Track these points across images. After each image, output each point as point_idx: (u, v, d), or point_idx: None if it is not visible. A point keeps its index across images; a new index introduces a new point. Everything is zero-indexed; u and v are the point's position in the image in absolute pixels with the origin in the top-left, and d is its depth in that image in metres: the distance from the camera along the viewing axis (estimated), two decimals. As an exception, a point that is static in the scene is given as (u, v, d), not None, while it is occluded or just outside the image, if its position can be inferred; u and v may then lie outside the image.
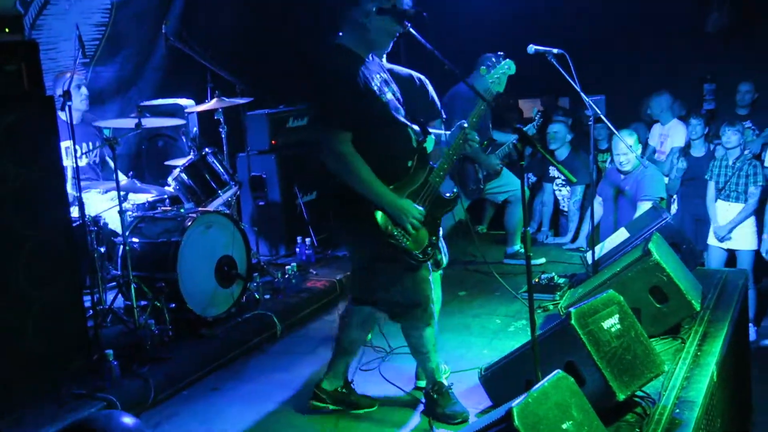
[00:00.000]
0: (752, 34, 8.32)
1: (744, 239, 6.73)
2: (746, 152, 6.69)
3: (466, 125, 3.66)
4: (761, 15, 8.26)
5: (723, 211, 6.74)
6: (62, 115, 4.77)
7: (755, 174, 6.53)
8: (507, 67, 3.99)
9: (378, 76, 3.53)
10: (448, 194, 3.68)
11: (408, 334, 3.76)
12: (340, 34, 3.52)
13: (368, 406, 3.91)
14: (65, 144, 4.88)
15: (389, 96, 3.54)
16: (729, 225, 6.67)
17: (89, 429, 2.59)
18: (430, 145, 3.71)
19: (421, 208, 3.50)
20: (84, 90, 5.68)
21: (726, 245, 6.78)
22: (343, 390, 3.91)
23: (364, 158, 3.39)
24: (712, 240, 6.85)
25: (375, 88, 3.45)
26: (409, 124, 3.60)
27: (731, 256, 6.86)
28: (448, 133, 3.86)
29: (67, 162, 4.93)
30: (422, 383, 3.99)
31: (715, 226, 6.79)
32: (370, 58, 3.57)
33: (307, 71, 4.12)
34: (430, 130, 3.79)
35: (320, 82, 3.51)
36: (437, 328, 3.80)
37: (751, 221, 6.70)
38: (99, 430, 2.53)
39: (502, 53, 4.07)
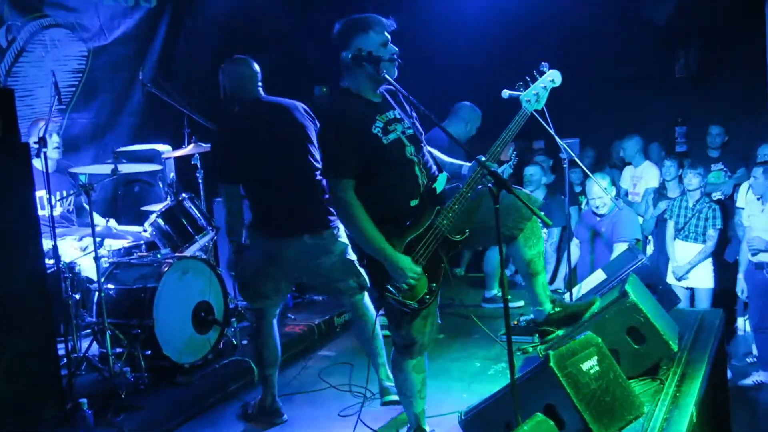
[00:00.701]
0: (720, 78, 8.54)
1: (701, 278, 6.87)
2: (719, 194, 6.83)
3: (483, 159, 3.47)
4: (727, 60, 8.48)
5: (681, 251, 6.90)
6: (37, 163, 4.74)
7: (714, 217, 6.71)
8: (551, 79, 3.65)
9: (383, 116, 3.42)
10: (457, 236, 3.48)
11: (396, 374, 3.73)
12: (344, 76, 3.46)
13: (589, 306, 3.72)
14: (40, 193, 4.82)
15: (396, 135, 3.42)
16: (687, 265, 6.83)
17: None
18: (440, 185, 3.54)
19: (418, 268, 3.36)
20: (56, 138, 5.62)
21: (685, 284, 6.89)
22: (557, 309, 3.74)
23: (367, 200, 3.34)
24: (670, 279, 6.94)
25: (377, 131, 3.37)
26: (417, 161, 3.48)
27: (692, 294, 6.98)
28: (469, 165, 3.68)
29: (42, 212, 4.88)
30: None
31: (673, 266, 6.92)
32: (375, 96, 3.46)
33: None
34: (452, 160, 3.71)
35: (322, 131, 3.54)
36: (426, 374, 3.75)
37: (708, 260, 6.83)
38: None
39: (546, 63, 3.74)
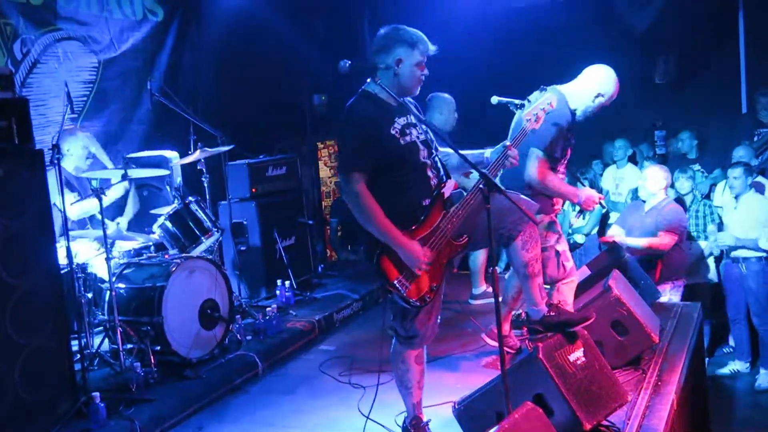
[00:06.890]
0: (697, 84, 8.56)
1: None
2: (696, 193, 6.84)
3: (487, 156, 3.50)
4: (704, 67, 8.52)
5: None
6: (68, 168, 4.93)
7: (711, 213, 6.67)
8: (548, 102, 3.66)
9: (403, 119, 3.41)
10: (460, 240, 3.46)
11: (397, 365, 3.70)
12: (369, 80, 3.44)
13: (583, 319, 3.62)
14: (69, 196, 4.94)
15: (411, 138, 3.42)
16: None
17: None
18: (447, 190, 3.47)
19: (429, 253, 3.34)
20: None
21: None
22: (551, 313, 3.68)
23: (384, 196, 3.32)
24: None
25: (394, 132, 3.36)
26: (429, 164, 3.47)
27: None
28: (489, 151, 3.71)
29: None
30: None
31: None
32: (395, 102, 3.44)
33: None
34: (473, 152, 3.69)
35: (341, 125, 3.47)
36: (425, 366, 3.74)
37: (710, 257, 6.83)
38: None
39: (545, 87, 3.75)
